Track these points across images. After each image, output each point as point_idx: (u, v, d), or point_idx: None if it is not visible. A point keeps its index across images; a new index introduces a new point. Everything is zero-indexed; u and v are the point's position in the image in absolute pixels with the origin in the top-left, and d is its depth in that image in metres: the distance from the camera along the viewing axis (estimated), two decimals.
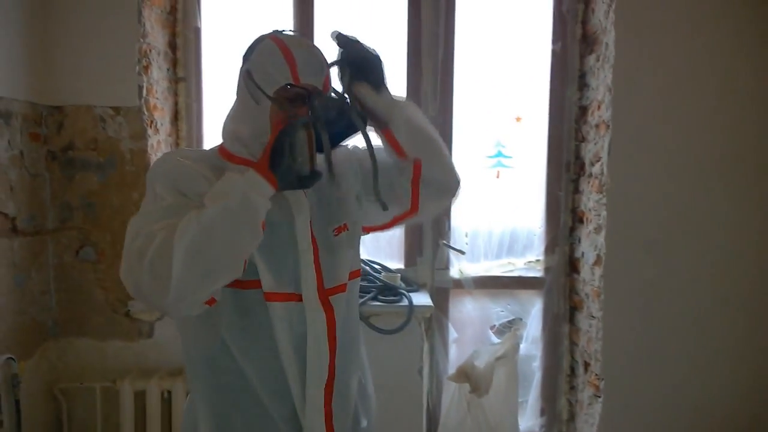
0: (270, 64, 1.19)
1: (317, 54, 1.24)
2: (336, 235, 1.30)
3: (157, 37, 2.49)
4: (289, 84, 1.19)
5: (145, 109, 2.41)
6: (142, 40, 2.37)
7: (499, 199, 2.69)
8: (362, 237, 1.44)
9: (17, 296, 2.23)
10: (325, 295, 1.26)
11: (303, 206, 1.26)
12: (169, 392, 2.40)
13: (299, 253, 1.23)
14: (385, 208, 1.24)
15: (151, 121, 2.45)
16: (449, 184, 1.41)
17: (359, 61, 1.24)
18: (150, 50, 2.44)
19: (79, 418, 2.48)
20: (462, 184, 1.44)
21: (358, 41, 1.26)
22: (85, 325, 2.46)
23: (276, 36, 1.24)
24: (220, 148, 1.29)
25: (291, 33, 1.27)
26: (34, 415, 2.32)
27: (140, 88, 2.39)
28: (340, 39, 1.25)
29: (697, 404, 2.44)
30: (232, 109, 1.29)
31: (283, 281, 1.22)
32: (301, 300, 1.23)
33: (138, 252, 1.05)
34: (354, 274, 1.37)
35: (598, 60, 2.46)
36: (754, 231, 2.39)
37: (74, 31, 2.36)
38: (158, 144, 2.50)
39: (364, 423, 1.40)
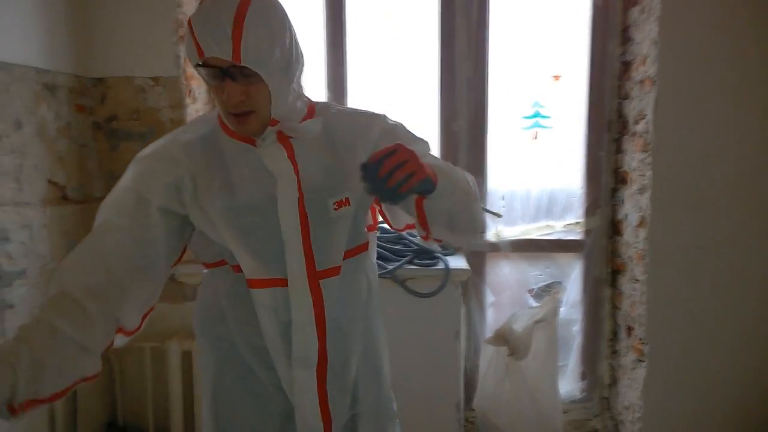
0: (186, 42, 1.10)
1: (216, 20, 1.03)
2: (336, 209, 1.18)
3: (192, 7, 2.52)
4: (198, 63, 1.08)
5: (183, 79, 2.46)
6: (177, 9, 2.41)
7: (536, 161, 2.63)
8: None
9: None
10: (315, 278, 1.18)
11: (289, 180, 1.16)
12: None
13: (284, 234, 1.15)
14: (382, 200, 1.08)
15: (189, 91, 2.50)
16: (466, 242, 1.37)
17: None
18: (186, 20, 2.47)
19: (130, 377, 2.61)
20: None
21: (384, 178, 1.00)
22: None
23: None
24: (221, 120, 1.22)
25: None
26: None
27: (178, 57, 2.43)
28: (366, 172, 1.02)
29: (745, 370, 2.37)
30: None
31: (269, 265, 1.16)
32: (286, 285, 1.16)
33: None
34: (358, 249, 1.27)
35: (642, 12, 2.35)
36: None
37: (112, 3, 2.42)
38: (196, 113, 2.55)
39: (366, 402, 1.33)
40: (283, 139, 1.19)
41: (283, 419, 1.24)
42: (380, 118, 1.30)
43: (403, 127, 1.31)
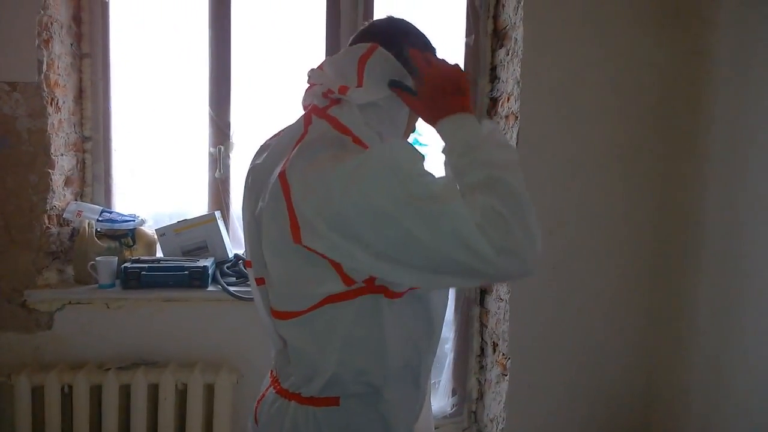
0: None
1: None
2: None
3: (59, 10, 2.34)
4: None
5: (44, 86, 2.26)
6: (42, 11, 2.22)
7: None
8: None
9: None
10: None
11: None
12: (70, 387, 2.26)
13: None
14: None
15: (52, 99, 2.29)
16: None
17: None
18: (51, 23, 2.29)
19: None
20: None
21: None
22: None
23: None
24: (353, 137, 1.15)
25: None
26: None
27: (40, 63, 2.24)
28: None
29: (596, 382, 2.59)
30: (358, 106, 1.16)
31: None
32: None
33: (494, 222, 0.94)
34: None
35: (507, 54, 2.56)
36: (650, 222, 2.56)
37: None
38: (59, 123, 2.35)
39: None
40: None
41: None
42: None
43: None
